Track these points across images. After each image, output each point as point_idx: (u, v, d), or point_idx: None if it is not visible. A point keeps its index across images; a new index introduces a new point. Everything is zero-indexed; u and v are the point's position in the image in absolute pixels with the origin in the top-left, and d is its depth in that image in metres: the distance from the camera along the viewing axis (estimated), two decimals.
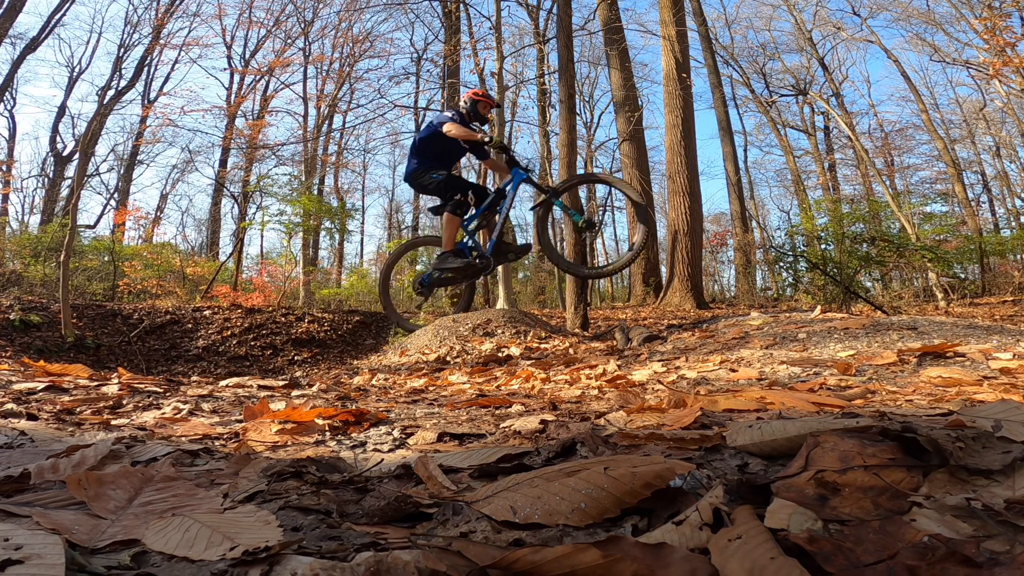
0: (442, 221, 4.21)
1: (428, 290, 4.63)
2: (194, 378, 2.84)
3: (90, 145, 14.82)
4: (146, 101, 18.83)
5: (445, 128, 3.99)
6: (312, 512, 0.61)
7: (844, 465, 0.56)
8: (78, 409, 1.39)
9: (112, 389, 1.74)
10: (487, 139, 3.96)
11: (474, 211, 4.28)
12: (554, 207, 4.27)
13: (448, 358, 4.06)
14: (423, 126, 4.51)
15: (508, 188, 4.19)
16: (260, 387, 2.09)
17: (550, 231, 4.46)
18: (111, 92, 17.42)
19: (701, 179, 10.17)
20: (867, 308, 6.35)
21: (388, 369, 3.88)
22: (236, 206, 18.35)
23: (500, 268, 8.65)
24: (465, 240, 4.30)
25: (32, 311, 6.36)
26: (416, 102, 18.57)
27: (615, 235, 41.63)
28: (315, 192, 15.42)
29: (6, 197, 18.11)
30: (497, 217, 4.24)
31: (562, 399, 1.62)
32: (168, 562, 0.48)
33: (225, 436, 1.15)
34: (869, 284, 7.68)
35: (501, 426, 1.14)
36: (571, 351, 3.73)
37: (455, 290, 12.23)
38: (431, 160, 4.19)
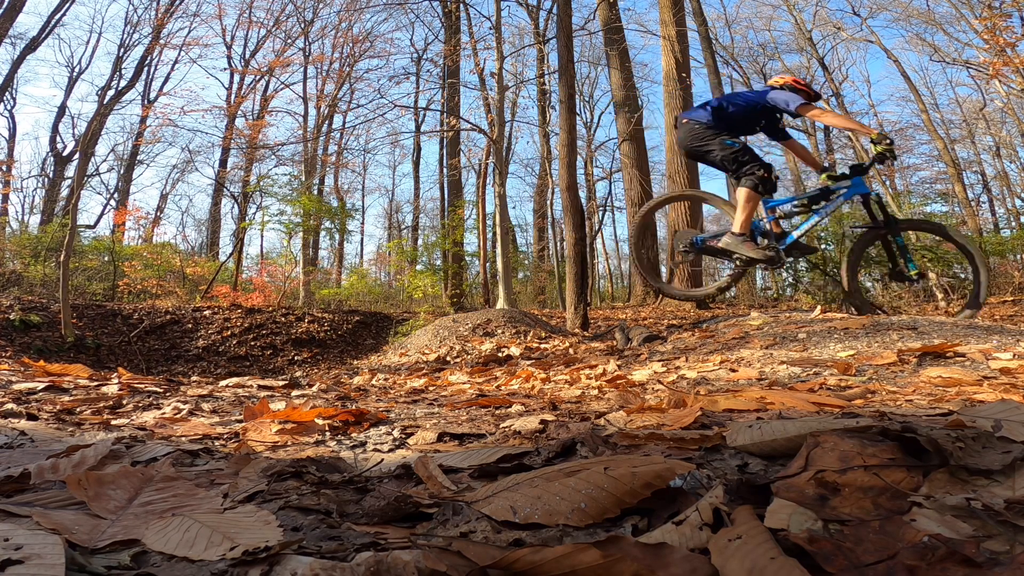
0: (737, 195, 3.69)
1: (694, 255, 4.14)
2: (194, 378, 2.85)
3: (90, 145, 14.82)
4: (146, 101, 18.83)
5: (811, 113, 3.51)
6: (312, 512, 0.61)
7: (844, 465, 0.56)
8: (78, 409, 1.39)
9: (112, 389, 1.75)
10: (881, 136, 3.40)
11: (781, 197, 3.85)
12: (882, 241, 3.69)
13: (448, 358, 4.06)
14: (743, 92, 4.02)
15: (840, 194, 3.68)
16: (260, 387, 2.09)
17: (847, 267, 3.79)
18: (111, 92, 17.42)
19: (701, 179, 10.17)
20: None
21: (388, 369, 3.88)
22: (236, 206, 18.36)
23: (500, 268, 8.66)
24: (759, 222, 3.81)
25: (32, 311, 6.36)
26: (416, 102, 18.56)
27: (615, 235, 41.67)
28: (315, 192, 15.42)
29: (6, 197, 18.12)
30: (812, 216, 3.76)
31: (562, 399, 1.62)
32: (168, 562, 0.48)
33: (225, 436, 1.15)
34: (869, 284, 7.67)
35: (501, 426, 1.14)
36: (571, 351, 3.73)
37: (454, 291, 12.17)
38: (724, 126, 3.74)
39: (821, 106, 3.61)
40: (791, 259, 3.86)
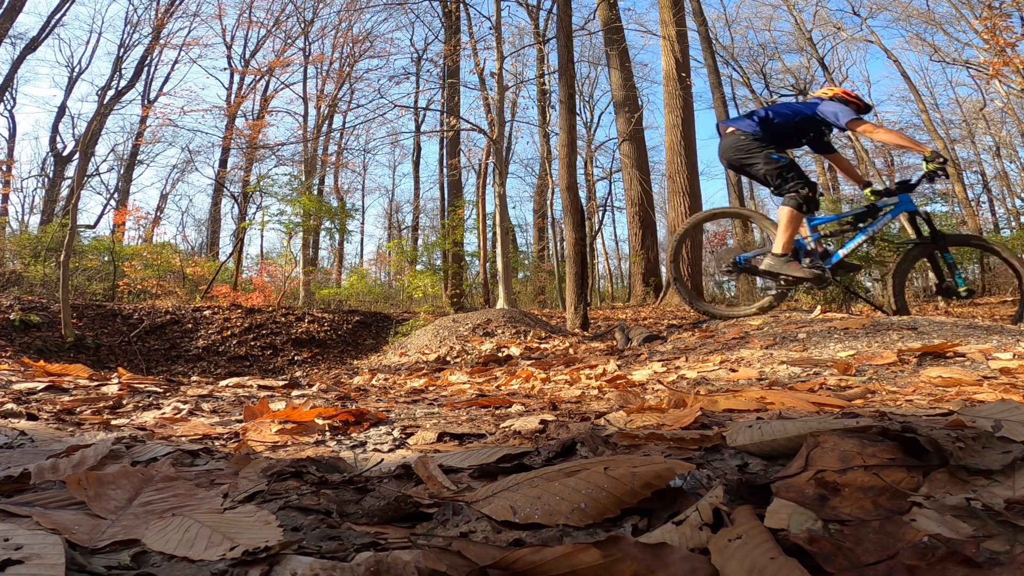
0: (778, 214, 3.59)
1: (737, 274, 4.06)
2: (194, 378, 2.85)
3: (90, 145, 14.83)
4: (146, 101, 18.84)
5: (862, 128, 3.40)
6: (312, 512, 0.61)
7: (844, 465, 0.56)
8: (78, 409, 1.39)
9: (112, 389, 1.75)
10: (935, 155, 3.33)
11: (822, 215, 3.74)
12: (930, 258, 3.59)
13: (448, 358, 4.06)
14: (790, 103, 3.86)
15: (887, 212, 3.60)
16: (260, 387, 2.09)
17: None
18: (111, 92, 17.42)
19: (701, 179, 10.19)
20: (867, 308, 6.35)
21: (388, 369, 3.88)
22: (236, 206, 18.35)
23: (500, 268, 8.66)
24: (803, 241, 3.71)
25: (32, 311, 6.36)
26: (416, 102, 18.57)
27: (615, 235, 41.68)
28: (315, 192, 15.42)
29: (6, 197, 18.13)
30: (858, 234, 3.67)
31: (562, 399, 1.62)
32: (168, 562, 0.48)
33: (225, 436, 1.15)
34: (869, 284, 7.67)
35: (501, 426, 1.14)
36: (571, 351, 3.73)
37: (454, 291, 12.16)
38: (770, 138, 3.62)
39: (872, 121, 3.50)
40: (836, 278, 3.73)
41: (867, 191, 3.74)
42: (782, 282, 3.69)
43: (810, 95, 3.87)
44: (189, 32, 18.90)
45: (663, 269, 11.03)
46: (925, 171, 3.40)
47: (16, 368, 2.30)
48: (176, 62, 19.61)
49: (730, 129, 3.75)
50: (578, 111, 18.28)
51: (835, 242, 3.87)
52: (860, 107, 3.56)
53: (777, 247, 3.60)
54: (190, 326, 6.92)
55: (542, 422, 1.09)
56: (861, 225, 3.69)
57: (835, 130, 3.65)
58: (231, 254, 12.96)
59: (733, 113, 18.96)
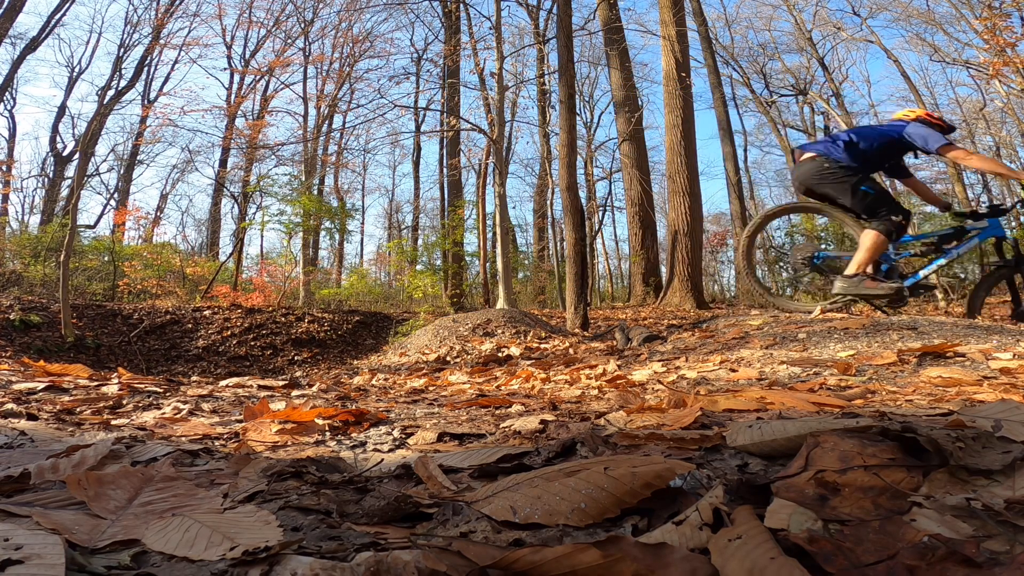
0: (863, 236, 3.48)
1: (810, 271, 3.93)
2: (194, 378, 2.85)
3: (90, 145, 14.83)
4: (146, 101, 18.83)
5: (954, 154, 3.31)
6: (312, 512, 0.61)
7: (844, 465, 0.56)
8: (78, 409, 1.39)
9: (112, 389, 1.75)
10: None
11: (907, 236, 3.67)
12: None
13: (448, 358, 4.06)
14: (872, 126, 3.74)
15: (974, 236, 3.51)
16: (260, 387, 2.09)
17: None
18: (111, 92, 17.42)
19: (701, 179, 10.18)
20: (867, 308, 6.35)
21: (388, 369, 3.88)
22: (236, 206, 18.35)
23: (500, 268, 8.66)
24: (889, 257, 3.60)
25: (32, 311, 6.36)
26: (416, 102, 18.57)
27: (615, 235, 41.69)
28: (315, 192, 15.42)
29: (6, 197, 18.12)
30: (941, 256, 3.57)
31: (562, 399, 1.62)
32: (168, 562, 0.48)
33: (225, 436, 1.15)
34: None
35: (501, 426, 1.14)
36: (571, 351, 3.73)
37: (454, 291, 12.15)
38: (858, 164, 3.52)
39: (964, 146, 3.40)
40: (912, 297, 3.63)
41: (947, 213, 3.67)
42: (865, 298, 3.53)
43: (890, 117, 3.72)
44: (189, 32, 18.92)
45: (663, 269, 11.04)
46: (1021, 197, 3.36)
47: (16, 368, 2.30)
48: (176, 62, 19.63)
49: (809, 155, 3.63)
50: (578, 111, 18.29)
51: (915, 262, 3.77)
52: (944, 129, 3.48)
53: (852, 267, 3.48)
54: (190, 326, 6.92)
55: (542, 422, 1.09)
56: (945, 247, 3.59)
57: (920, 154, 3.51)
58: (231, 254, 12.97)
59: (733, 113, 18.94)
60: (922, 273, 3.57)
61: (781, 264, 11.33)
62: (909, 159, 3.84)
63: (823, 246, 5.00)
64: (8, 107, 18.70)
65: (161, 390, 1.81)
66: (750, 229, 4.26)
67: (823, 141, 3.68)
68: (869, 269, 3.49)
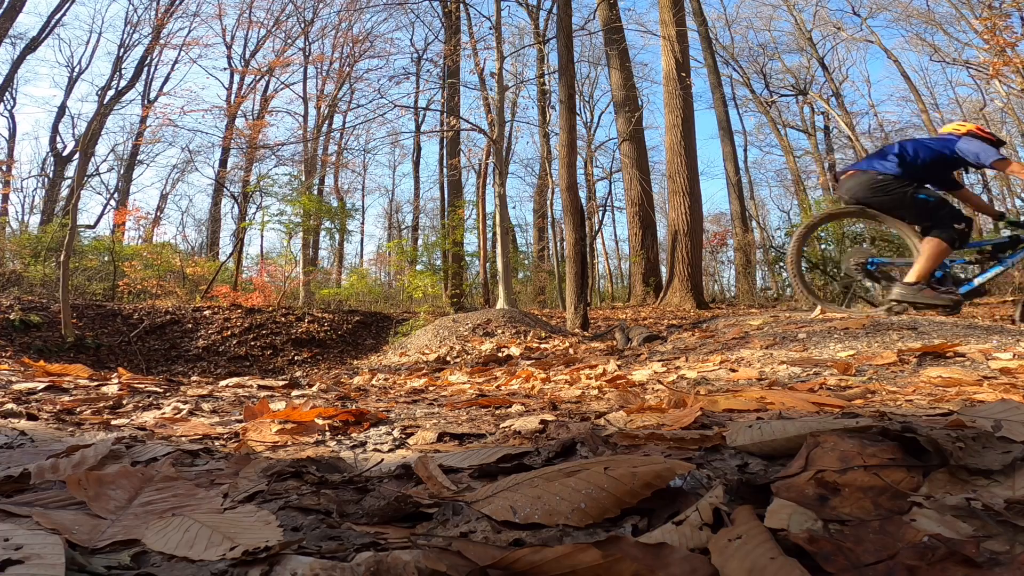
0: (923, 245, 3.46)
1: (864, 277, 3.92)
2: (194, 378, 2.85)
3: (90, 145, 14.83)
4: (146, 101, 18.83)
5: (1011, 169, 3.29)
6: (312, 512, 0.61)
7: (844, 465, 0.56)
8: (78, 409, 1.39)
9: (112, 389, 1.75)
10: None
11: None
12: None
13: (448, 358, 4.06)
14: (922, 139, 3.70)
15: None
16: (260, 387, 2.09)
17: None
18: (111, 92, 17.43)
19: (701, 179, 10.18)
20: (867, 308, 6.34)
21: (388, 369, 3.88)
22: (236, 206, 18.35)
23: (500, 268, 8.66)
24: (947, 265, 3.60)
25: (32, 311, 6.36)
26: (416, 102, 18.55)
27: (615, 235, 41.71)
28: (315, 192, 15.42)
29: (6, 197, 18.12)
30: (997, 264, 3.59)
31: (562, 399, 1.62)
32: (168, 562, 0.48)
33: (225, 436, 1.15)
34: (869, 284, 7.68)
35: (501, 426, 1.14)
36: (571, 351, 3.73)
37: (454, 291, 12.14)
38: (912, 177, 3.51)
39: (1018, 159, 3.44)
40: (967, 303, 3.61)
41: (1001, 222, 3.66)
42: (921, 307, 3.48)
43: (939, 130, 3.72)
44: (189, 32, 18.91)
45: (663, 269, 11.04)
46: None
47: (16, 368, 2.30)
48: (176, 62, 19.61)
49: (866, 170, 3.61)
50: (578, 111, 18.28)
51: (970, 269, 3.78)
52: (995, 143, 3.47)
53: (912, 275, 3.46)
54: (190, 326, 6.92)
55: (542, 422, 1.09)
56: (1000, 255, 3.60)
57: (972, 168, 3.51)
58: (231, 254, 12.97)
59: (733, 113, 18.94)
60: (977, 281, 3.56)
61: (780, 264, 11.33)
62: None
63: (875, 251, 4.94)
64: (8, 107, 18.71)
65: (161, 390, 1.81)
66: (799, 234, 4.24)
67: (869, 158, 3.69)
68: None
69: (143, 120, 18.28)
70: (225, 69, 20.89)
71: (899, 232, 3.90)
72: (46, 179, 18.68)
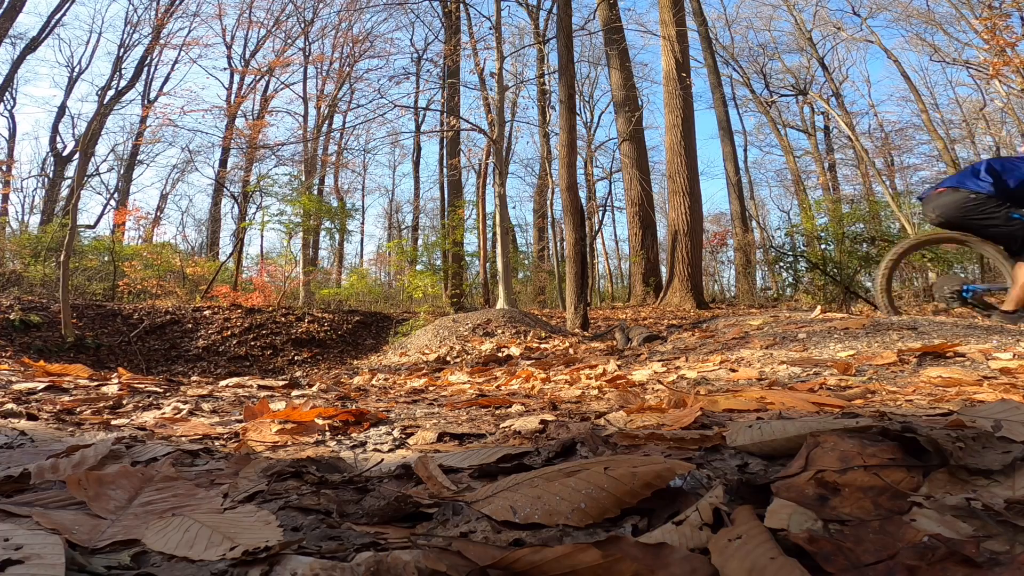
0: (1017, 272, 3.38)
1: (960, 305, 3.86)
2: (194, 378, 2.85)
3: (90, 145, 14.82)
4: (146, 101, 18.82)
5: None
6: (312, 512, 0.61)
7: (844, 465, 0.56)
8: (78, 409, 1.39)
9: (112, 389, 1.75)
10: None
11: None
12: None
13: (448, 358, 4.06)
14: (1010, 158, 3.62)
15: None
16: (260, 387, 2.09)
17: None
18: (111, 92, 17.42)
19: (701, 179, 10.18)
20: (867, 308, 6.35)
21: (388, 369, 3.88)
22: (236, 206, 18.34)
23: (500, 268, 8.66)
24: None
25: (32, 311, 6.36)
26: (416, 102, 18.55)
27: (615, 235, 41.71)
28: (315, 192, 15.42)
29: (6, 197, 18.11)
30: None
31: (562, 399, 1.62)
32: (168, 562, 0.48)
33: (225, 436, 1.15)
34: (869, 284, 7.69)
35: (501, 426, 1.14)
36: (571, 351, 3.73)
37: (454, 291, 12.14)
38: (1005, 197, 3.42)
39: None
40: None
41: None
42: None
43: (1019, 149, 3.67)
44: (189, 32, 18.90)
45: (663, 269, 11.04)
46: None
47: (16, 368, 2.30)
48: (176, 62, 19.60)
49: (957, 188, 3.54)
50: (578, 111, 18.28)
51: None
52: None
53: (1010, 304, 3.39)
54: (190, 326, 6.91)
55: (542, 422, 1.09)
56: None
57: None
58: (231, 254, 12.96)
59: (733, 113, 18.95)
60: None
61: (780, 264, 11.32)
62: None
63: (969, 279, 4.80)
64: (8, 107, 18.70)
65: (161, 390, 1.81)
66: (888, 262, 4.10)
67: (959, 175, 3.61)
68: None
69: (143, 120, 18.29)
70: (225, 69, 20.90)
71: (988, 255, 3.81)
72: (46, 179, 18.68)
